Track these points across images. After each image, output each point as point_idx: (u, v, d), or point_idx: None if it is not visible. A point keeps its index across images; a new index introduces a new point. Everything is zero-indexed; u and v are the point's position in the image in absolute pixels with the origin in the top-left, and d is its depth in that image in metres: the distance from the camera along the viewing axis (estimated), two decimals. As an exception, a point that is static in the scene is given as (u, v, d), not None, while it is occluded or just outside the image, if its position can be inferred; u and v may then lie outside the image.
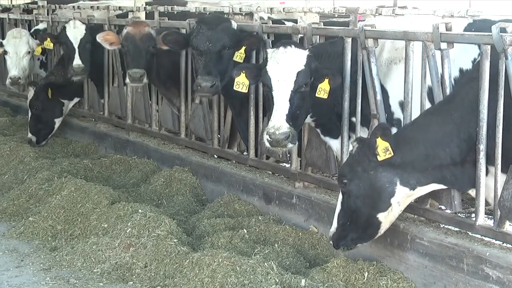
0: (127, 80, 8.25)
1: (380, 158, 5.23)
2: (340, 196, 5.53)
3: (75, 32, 9.68)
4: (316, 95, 5.93)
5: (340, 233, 5.51)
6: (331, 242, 5.62)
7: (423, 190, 5.38)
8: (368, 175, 5.32)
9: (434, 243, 5.44)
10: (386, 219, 5.40)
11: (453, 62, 5.58)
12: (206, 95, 7.16)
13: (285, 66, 5.85)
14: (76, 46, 9.61)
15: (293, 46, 5.95)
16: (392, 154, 5.21)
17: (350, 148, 5.51)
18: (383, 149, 5.20)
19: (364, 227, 5.44)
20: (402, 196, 5.33)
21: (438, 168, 5.25)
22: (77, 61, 9.49)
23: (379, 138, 5.23)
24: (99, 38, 8.61)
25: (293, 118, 5.78)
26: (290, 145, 5.71)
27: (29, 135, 10.09)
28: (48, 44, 10.25)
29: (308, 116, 6.23)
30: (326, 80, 5.91)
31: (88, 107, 10.68)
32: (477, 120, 5.10)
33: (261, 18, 7.91)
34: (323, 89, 5.92)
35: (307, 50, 6.02)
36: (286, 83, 5.82)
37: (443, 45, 5.40)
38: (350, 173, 5.39)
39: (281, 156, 6.84)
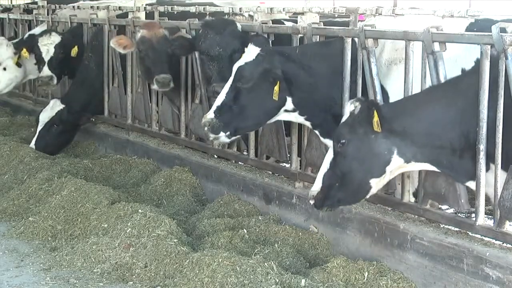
0: (155, 86, 8.09)
1: (374, 128, 5.16)
2: (329, 155, 5.38)
3: (44, 115, 9.79)
4: (274, 97, 6.00)
5: (326, 194, 5.35)
6: (312, 201, 5.44)
7: (415, 167, 5.33)
8: (368, 139, 5.22)
9: (434, 243, 5.44)
10: (376, 185, 5.32)
11: (455, 62, 5.58)
12: None
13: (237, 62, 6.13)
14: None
15: (252, 44, 6.14)
16: (380, 131, 5.15)
17: (351, 107, 5.38)
18: (376, 121, 5.15)
19: (354, 190, 5.34)
20: (396, 166, 5.26)
21: (436, 149, 5.20)
22: (31, 144, 9.66)
23: (375, 110, 5.16)
24: (113, 42, 8.54)
25: (222, 111, 5.98)
26: (210, 134, 6.03)
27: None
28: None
29: (300, 116, 6.26)
30: (278, 83, 5.99)
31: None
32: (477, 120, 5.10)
33: (250, 16, 7.93)
34: (275, 92, 5.99)
35: (260, 48, 6.09)
36: (231, 78, 6.08)
37: (436, 48, 5.41)
38: (350, 133, 5.25)
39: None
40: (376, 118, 5.14)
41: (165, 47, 8.06)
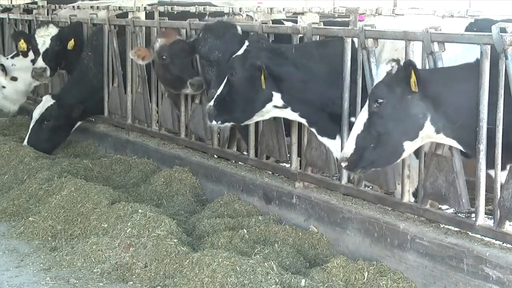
0: (189, 90, 7.97)
1: (412, 88, 5.13)
2: (362, 117, 5.32)
3: (36, 112, 9.79)
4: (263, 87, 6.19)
5: (360, 155, 5.29)
6: (344, 164, 5.38)
7: (443, 140, 5.31)
8: (405, 99, 5.17)
9: (434, 243, 5.44)
10: (408, 149, 5.28)
11: (455, 62, 5.58)
12: None
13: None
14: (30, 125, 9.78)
15: (246, 41, 6.46)
16: (417, 90, 5.12)
17: (387, 67, 5.30)
18: (414, 81, 5.11)
19: (389, 151, 5.29)
20: (427, 133, 5.23)
21: (465, 129, 5.19)
22: (24, 141, 9.65)
23: (412, 70, 5.11)
24: (132, 54, 8.44)
25: (220, 101, 6.36)
26: (208, 121, 6.52)
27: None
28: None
29: (293, 112, 6.32)
30: (262, 74, 6.12)
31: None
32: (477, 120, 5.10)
33: (248, 16, 7.94)
34: (263, 82, 6.16)
35: (247, 43, 6.37)
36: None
37: (436, 48, 5.41)
38: (388, 93, 5.20)
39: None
40: (413, 78, 5.09)
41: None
